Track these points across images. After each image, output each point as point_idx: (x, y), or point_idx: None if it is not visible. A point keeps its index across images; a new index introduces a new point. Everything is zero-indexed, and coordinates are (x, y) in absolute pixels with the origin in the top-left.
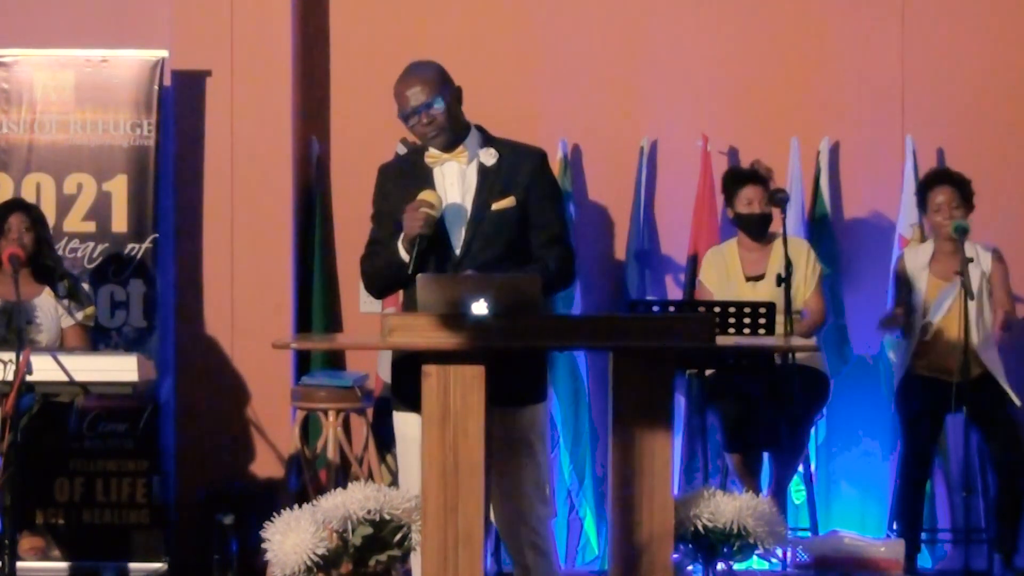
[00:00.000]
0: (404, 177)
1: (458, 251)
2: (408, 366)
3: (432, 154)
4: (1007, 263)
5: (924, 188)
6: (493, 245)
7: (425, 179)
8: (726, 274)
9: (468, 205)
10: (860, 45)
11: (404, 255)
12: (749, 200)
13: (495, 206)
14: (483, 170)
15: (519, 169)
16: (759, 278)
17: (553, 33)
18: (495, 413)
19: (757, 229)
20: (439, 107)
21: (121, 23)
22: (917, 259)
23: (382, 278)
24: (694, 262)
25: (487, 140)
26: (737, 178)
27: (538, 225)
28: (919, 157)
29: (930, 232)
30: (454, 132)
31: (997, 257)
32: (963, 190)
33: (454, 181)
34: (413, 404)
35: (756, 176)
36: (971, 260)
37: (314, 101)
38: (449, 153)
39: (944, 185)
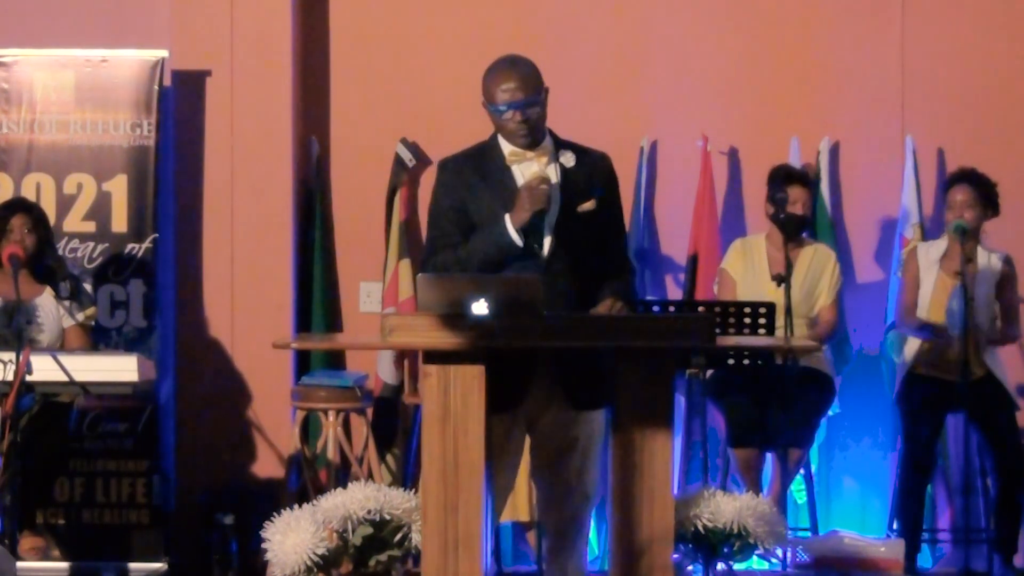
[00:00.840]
0: (480, 173)
1: (545, 252)
2: None
3: (514, 152)
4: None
5: (947, 185)
6: (579, 247)
7: (504, 176)
8: (752, 269)
9: (554, 206)
10: (860, 45)
11: (516, 236)
12: (795, 200)
13: (580, 208)
14: (564, 172)
15: (596, 172)
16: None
17: (553, 33)
18: (573, 416)
19: (796, 230)
20: (533, 111)
21: (121, 23)
22: (929, 255)
23: (476, 265)
24: (694, 262)
25: (559, 142)
26: (788, 176)
27: (610, 231)
28: (919, 157)
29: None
30: (540, 133)
31: (1008, 263)
32: (984, 192)
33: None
34: None
35: (806, 179)
36: (970, 260)
37: (314, 101)
38: (529, 151)
39: (964, 184)
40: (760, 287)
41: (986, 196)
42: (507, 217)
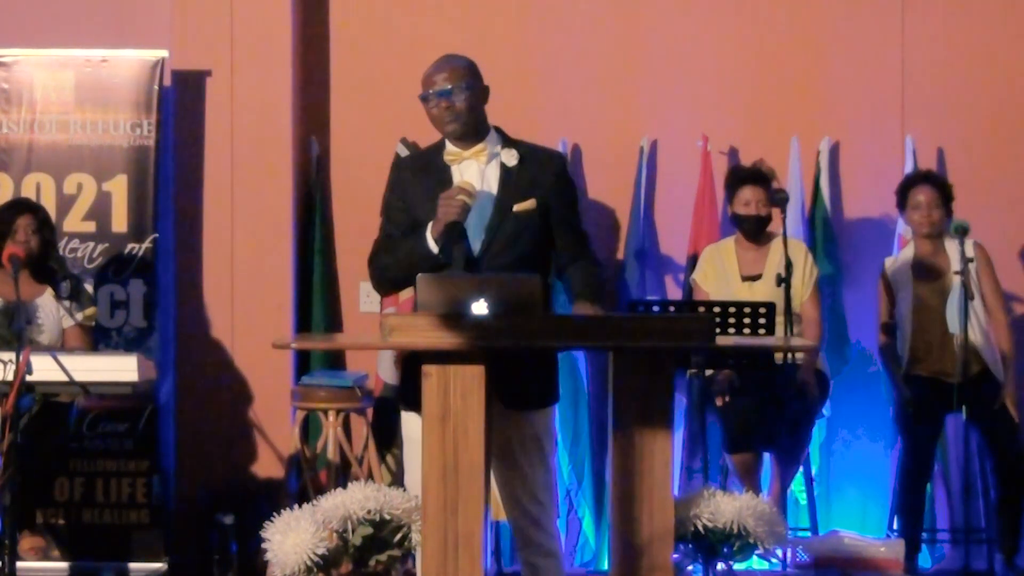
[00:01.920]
0: (421, 172)
1: (477, 251)
2: (414, 366)
3: (451, 152)
4: (1010, 263)
5: (905, 187)
6: (512, 247)
7: (443, 176)
8: (723, 273)
9: (489, 205)
10: (860, 45)
11: (433, 245)
12: (747, 201)
13: (516, 208)
14: (505, 170)
15: (542, 172)
16: (756, 278)
17: (553, 33)
18: (507, 416)
19: (754, 230)
20: (459, 98)
21: (121, 23)
22: (899, 267)
23: (400, 271)
24: (694, 262)
25: (507, 141)
26: (737, 178)
27: (564, 230)
28: (919, 157)
29: (905, 232)
30: (469, 126)
31: (980, 249)
32: (944, 192)
33: (473, 179)
34: (417, 405)
35: (758, 176)
36: (971, 260)
37: (314, 101)
38: (467, 151)
39: (926, 185)
40: (730, 289)
41: (945, 196)
42: (428, 225)
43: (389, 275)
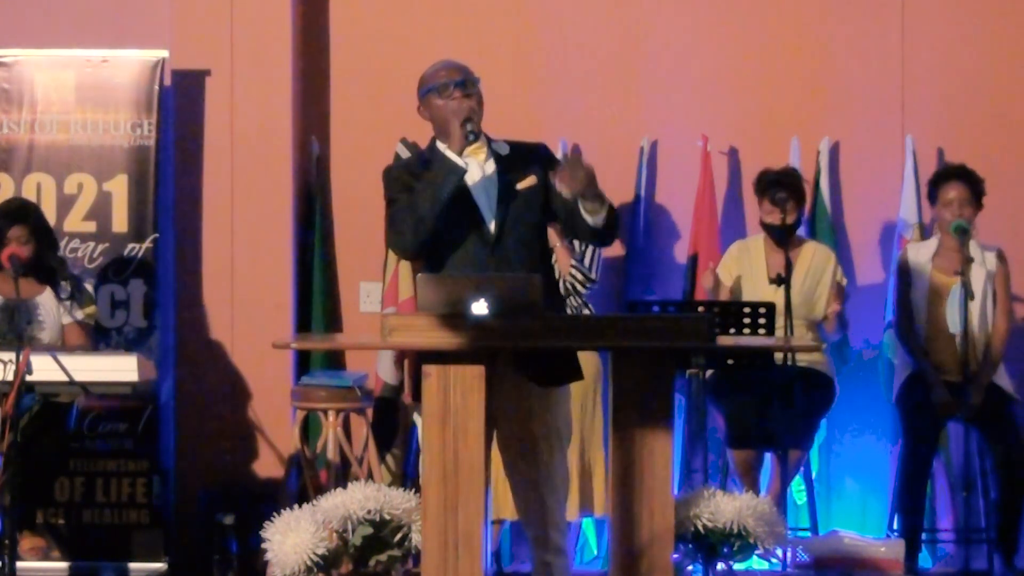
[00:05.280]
0: (425, 166)
1: (492, 230)
2: None
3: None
4: (1009, 263)
5: (937, 180)
6: (524, 222)
7: (444, 163)
8: (750, 273)
9: (493, 188)
10: (860, 45)
11: (457, 160)
12: (770, 210)
13: (520, 186)
14: (499, 158)
15: (532, 156)
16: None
17: (553, 33)
18: (528, 407)
19: (780, 237)
20: (474, 90)
21: (121, 23)
22: (920, 255)
23: (425, 202)
24: (694, 262)
25: (492, 140)
26: (764, 184)
27: (561, 204)
28: (919, 157)
29: (934, 226)
30: (479, 127)
31: (1000, 258)
32: (976, 189)
33: (474, 172)
34: None
35: (789, 182)
36: (972, 260)
37: (314, 101)
38: (468, 148)
39: (958, 181)
40: (758, 289)
41: (977, 192)
42: (444, 148)
43: (411, 220)
